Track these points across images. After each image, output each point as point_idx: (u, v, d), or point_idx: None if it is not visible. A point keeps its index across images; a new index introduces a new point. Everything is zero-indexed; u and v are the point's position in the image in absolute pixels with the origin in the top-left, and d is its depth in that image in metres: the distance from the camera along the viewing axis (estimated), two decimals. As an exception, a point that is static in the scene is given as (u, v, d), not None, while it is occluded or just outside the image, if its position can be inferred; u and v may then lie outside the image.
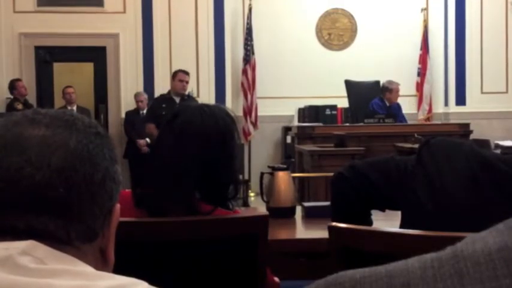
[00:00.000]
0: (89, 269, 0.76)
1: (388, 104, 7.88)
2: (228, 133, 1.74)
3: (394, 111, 7.83)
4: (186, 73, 7.42)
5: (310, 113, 8.91)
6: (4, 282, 0.70)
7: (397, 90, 7.92)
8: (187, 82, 7.33)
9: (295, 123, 8.80)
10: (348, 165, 1.87)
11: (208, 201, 1.69)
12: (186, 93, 7.31)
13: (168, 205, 1.66)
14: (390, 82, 7.92)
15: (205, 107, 1.79)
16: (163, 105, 6.98)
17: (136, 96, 8.24)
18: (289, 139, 8.64)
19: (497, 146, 5.05)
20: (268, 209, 2.66)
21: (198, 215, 1.66)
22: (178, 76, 7.30)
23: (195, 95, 7.62)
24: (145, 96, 8.22)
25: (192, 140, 1.70)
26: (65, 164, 0.78)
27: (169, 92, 7.33)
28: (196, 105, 1.84)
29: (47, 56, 8.71)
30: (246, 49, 8.92)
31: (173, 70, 8.33)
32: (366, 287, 0.40)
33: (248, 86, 8.88)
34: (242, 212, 1.86)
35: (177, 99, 7.09)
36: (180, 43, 8.57)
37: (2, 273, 0.71)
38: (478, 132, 7.53)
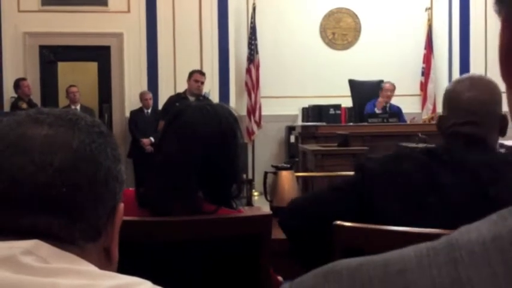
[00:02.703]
0: (92, 268, 0.77)
1: (384, 104, 7.88)
2: (230, 132, 1.74)
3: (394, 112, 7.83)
4: (202, 73, 7.43)
5: (313, 112, 8.90)
6: (9, 281, 0.70)
7: (388, 89, 7.90)
8: (202, 83, 7.32)
9: (299, 122, 8.79)
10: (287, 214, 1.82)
11: (212, 201, 1.69)
12: (202, 93, 7.30)
13: (171, 205, 1.66)
14: (384, 81, 8.00)
15: (208, 106, 1.78)
16: (177, 104, 6.96)
17: (142, 94, 8.29)
18: (292, 138, 8.64)
19: (501, 145, 5.03)
20: (271, 208, 2.66)
21: (202, 214, 1.65)
22: (194, 76, 7.30)
23: (210, 96, 7.61)
24: (150, 95, 8.26)
25: (194, 140, 1.69)
26: (68, 164, 0.78)
27: (185, 92, 7.34)
28: (199, 105, 1.83)
29: (51, 56, 8.72)
30: (250, 48, 8.92)
31: (177, 69, 8.34)
32: (363, 274, 0.41)
33: (252, 86, 8.87)
34: (245, 211, 1.86)
35: (192, 99, 7.07)
36: (184, 42, 8.57)
37: (7, 272, 0.71)
38: (482, 131, 7.50)
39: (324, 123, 8.02)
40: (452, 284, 0.37)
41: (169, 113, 1.82)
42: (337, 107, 8.84)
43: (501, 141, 5.38)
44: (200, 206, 1.66)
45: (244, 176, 7.66)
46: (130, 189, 1.71)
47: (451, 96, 1.73)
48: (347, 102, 8.54)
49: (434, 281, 0.38)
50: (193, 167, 1.67)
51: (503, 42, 0.44)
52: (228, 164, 1.72)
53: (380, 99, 7.88)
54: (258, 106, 8.87)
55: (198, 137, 1.69)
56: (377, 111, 7.76)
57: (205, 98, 7.24)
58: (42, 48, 8.59)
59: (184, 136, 1.70)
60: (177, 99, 7.15)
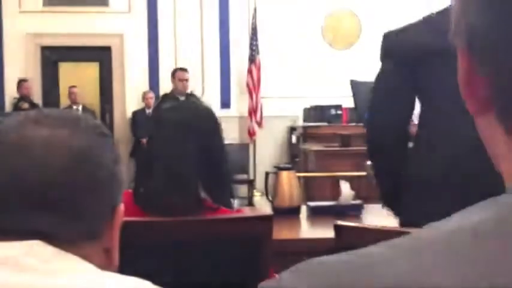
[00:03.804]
0: (93, 269, 0.77)
1: None
2: (213, 128, 1.76)
3: None
4: (185, 70, 7.35)
5: (315, 112, 8.89)
6: (10, 281, 0.70)
7: None
8: (187, 80, 7.25)
9: (300, 123, 8.79)
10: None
11: (212, 199, 1.69)
12: (188, 91, 7.26)
13: (172, 206, 1.67)
14: None
15: (185, 103, 1.82)
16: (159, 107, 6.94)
17: (144, 94, 8.35)
18: (294, 139, 8.64)
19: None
20: (273, 208, 2.67)
21: (203, 214, 1.66)
22: (177, 76, 7.22)
23: (198, 94, 7.59)
24: (151, 94, 8.31)
25: (188, 139, 1.70)
26: (68, 165, 0.78)
27: (172, 92, 7.31)
28: (175, 105, 1.86)
29: (53, 56, 8.74)
30: (251, 49, 8.91)
31: (178, 70, 8.34)
32: (334, 269, 0.44)
33: (253, 86, 8.87)
34: (246, 211, 1.86)
35: (182, 98, 7.04)
36: (185, 43, 8.58)
37: (7, 272, 0.71)
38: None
39: (326, 124, 8.02)
40: (414, 270, 0.39)
41: (152, 117, 1.85)
42: (338, 107, 8.83)
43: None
44: (201, 207, 1.67)
45: (246, 176, 7.66)
46: (130, 190, 1.71)
47: None
48: (348, 103, 8.52)
49: (397, 269, 0.40)
50: (191, 166, 1.67)
51: (462, 71, 0.46)
52: (221, 157, 1.73)
53: None
54: (259, 106, 8.87)
55: (190, 137, 1.70)
56: None
57: (193, 96, 7.20)
58: (43, 48, 8.60)
59: (177, 138, 1.71)
60: (166, 99, 7.10)
